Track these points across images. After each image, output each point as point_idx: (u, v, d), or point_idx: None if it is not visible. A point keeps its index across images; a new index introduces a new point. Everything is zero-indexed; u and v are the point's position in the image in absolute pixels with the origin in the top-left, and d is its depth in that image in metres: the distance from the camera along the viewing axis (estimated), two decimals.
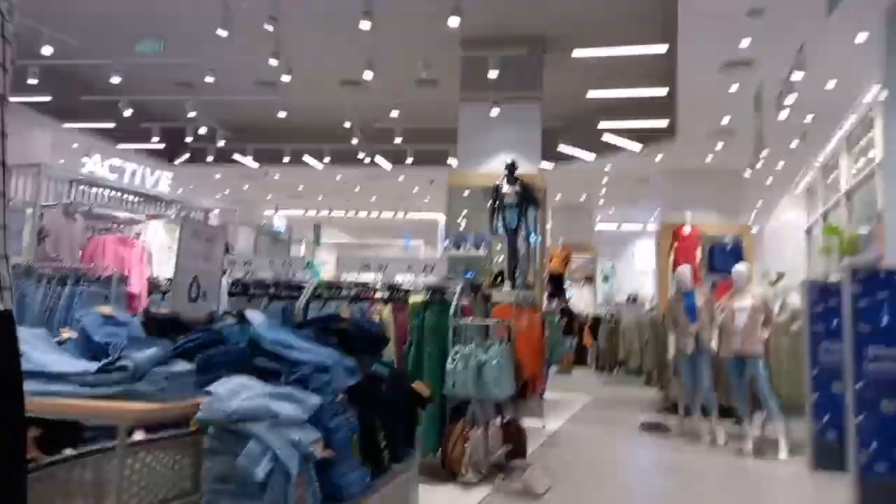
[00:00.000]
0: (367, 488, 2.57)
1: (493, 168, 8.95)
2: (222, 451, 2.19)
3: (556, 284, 16.51)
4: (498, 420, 4.88)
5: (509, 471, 4.79)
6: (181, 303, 3.22)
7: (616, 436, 7.05)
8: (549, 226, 18.85)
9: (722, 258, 11.58)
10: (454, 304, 4.94)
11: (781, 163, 11.93)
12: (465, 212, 9.20)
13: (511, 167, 8.42)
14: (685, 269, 7.17)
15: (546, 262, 17.67)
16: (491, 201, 8.47)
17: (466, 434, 4.58)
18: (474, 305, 6.24)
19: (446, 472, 4.60)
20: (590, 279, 17.59)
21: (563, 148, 11.77)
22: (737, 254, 11.51)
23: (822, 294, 5.75)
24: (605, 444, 6.58)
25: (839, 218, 12.13)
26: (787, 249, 16.76)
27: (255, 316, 3.24)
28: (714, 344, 6.72)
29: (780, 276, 15.05)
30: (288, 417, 2.21)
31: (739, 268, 6.60)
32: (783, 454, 5.95)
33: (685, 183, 12.27)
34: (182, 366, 2.36)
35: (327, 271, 12.72)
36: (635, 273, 20.67)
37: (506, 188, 8.40)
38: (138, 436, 2.88)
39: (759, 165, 10.97)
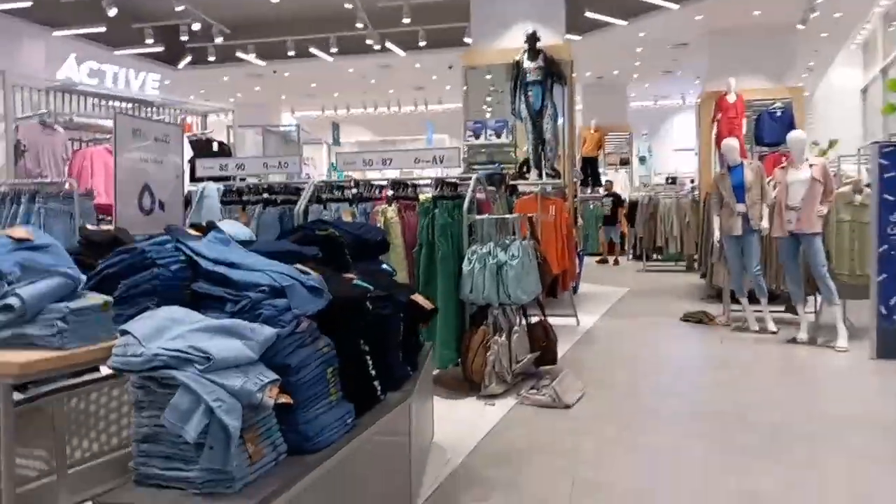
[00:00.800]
0: (351, 428, 2.10)
1: (513, 42, 8.01)
2: (147, 406, 1.72)
3: (591, 169, 15.68)
4: (523, 324, 4.39)
5: (537, 378, 4.36)
6: (128, 217, 2.70)
7: (656, 329, 6.56)
8: (579, 107, 17.74)
9: (771, 128, 10.52)
10: (468, 198, 4.34)
11: (838, 14, 10.54)
12: (487, 97, 8.36)
13: (532, 39, 7.48)
14: (731, 142, 6.34)
15: (579, 145, 16.79)
16: (511, 80, 7.61)
17: (488, 342, 4.13)
18: (494, 200, 5.64)
19: (469, 384, 4.19)
20: (626, 162, 16.63)
21: (592, 14, 10.56)
22: (788, 121, 10.39)
23: (894, 157, 4.95)
24: (644, 339, 6.11)
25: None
26: (840, 114, 15.41)
27: (228, 227, 2.71)
28: (765, 222, 6.03)
29: (833, 143, 13.89)
30: (227, 359, 1.71)
31: (795, 135, 5.77)
32: (842, 342, 5.38)
33: (729, 45, 11.04)
34: (92, 300, 1.86)
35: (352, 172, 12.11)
36: (674, 153, 19.51)
37: (527, 64, 7.51)
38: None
39: (813, 16, 9.70)
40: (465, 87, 8.26)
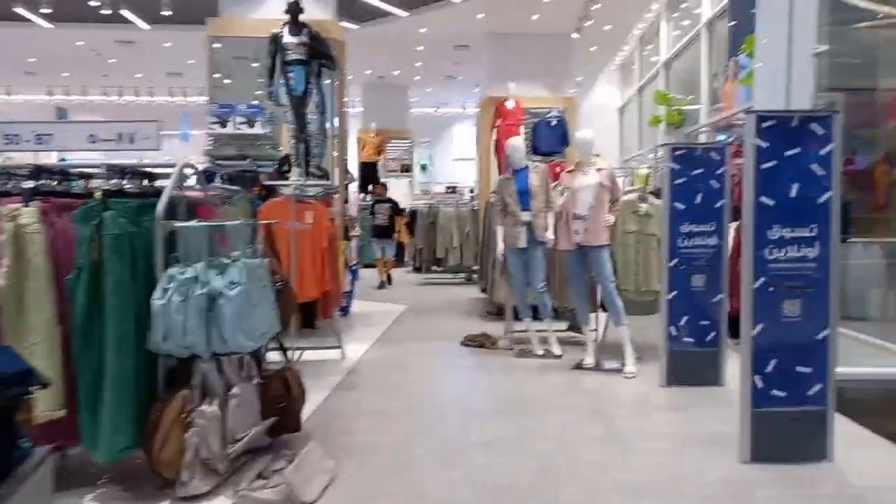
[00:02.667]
0: None
1: (271, 13, 6.63)
2: None
3: (371, 175, 14.72)
4: (248, 384, 3.05)
5: (271, 458, 3.06)
6: None
7: (434, 359, 5.60)
8: (359, 109, 16.76)
9: (547, 137, 10.39)
10: (164, 194, 2.90)
11: (608, 26, 10.79)
12: (227, 79, 6.84)
13: (294, 8, 6.17)
14: (517, 141, 5.65)
15: (359, 148, 15.76)
16: (268, 58, 6.21)
17: (188, 415, 2.73)
18: (227, 202, 4.24)
19: (160, 479, 2.75)
20: (407, 169, 15.96)
21: None
22: (562, 132, 10.38)
23: (684, 160, 4.52)
24: (420, 374, 5.08)
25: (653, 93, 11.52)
26: (601, 130, 16.36)
27: None
28: (550, 233, 5.40)
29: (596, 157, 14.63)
30: None
31: (583, 135, 5.19)
32: (630, 367, 4.87)
33: (509, 49, 10.77)
34: None
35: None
36: (455, 162, 19.44)
37: (288, 39, 6.15)
38: None
39: (587, 24, 9.73)
40: (209, 64, 6.66)
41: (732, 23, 7.48)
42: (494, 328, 6.66)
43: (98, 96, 15.42)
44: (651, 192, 5.41)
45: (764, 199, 3.13)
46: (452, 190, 15.52)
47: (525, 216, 5.41)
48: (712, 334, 4.53)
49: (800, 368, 3.12)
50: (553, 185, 5.64)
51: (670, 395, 4.34)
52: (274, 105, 6.28)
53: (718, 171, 4.51)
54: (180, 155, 10.40)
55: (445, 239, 11.44)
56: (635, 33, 12.63)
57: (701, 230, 4.51)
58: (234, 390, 2.87)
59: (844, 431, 3.17)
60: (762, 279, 3.12)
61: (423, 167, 18.86)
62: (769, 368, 3.11)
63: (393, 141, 15.76)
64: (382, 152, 15.35)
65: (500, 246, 5.58)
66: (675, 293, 4.52)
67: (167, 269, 2.83)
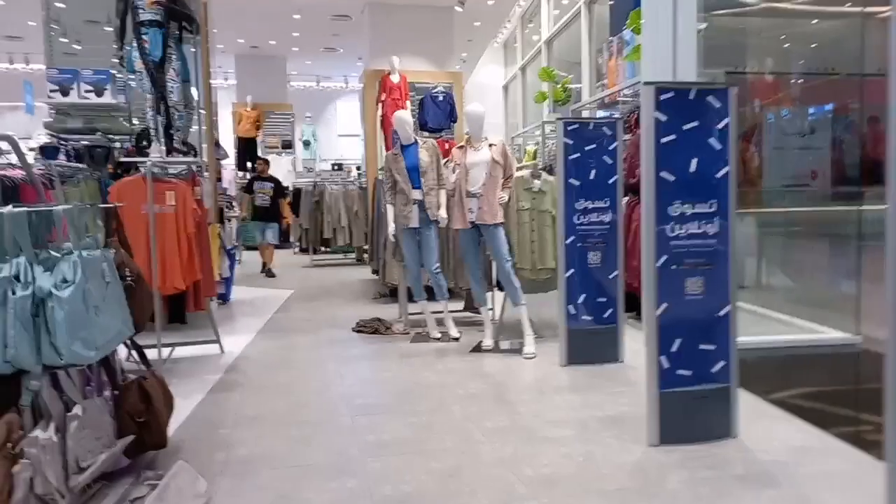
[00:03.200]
0: None
1: None
2: None
3: (249, 152, 13.80)
4: (95, 399, 2.53)
5: (131, 481, 2.59)
6: None
7: (324, 349, 5.20)
8: (232, 81, 15.63)
9: (434, 113, 10.14)
10: None
11: (491, 1, 10.61)
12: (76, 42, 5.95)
13: None
14: (404, 114, 5.29)
15: (234, 123, 14.71)
16: (118, 17, 5.42)
17: (15, 445, 2.20)
18: (66, 181, 3.61)
19: None
20: (288, 145, 15.13)
21: None
22: (449, 107, 10.14)
23: (578, 135, 4.38)
24: (308, 367, 4.67)
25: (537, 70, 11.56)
26: (486, 108, 16.36)
27: None
28: (443, 212, 5.14)
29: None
30: None
31: (474, 108, 4.93)
32: (529, 347, 4.73)
33: (391, 22, 10.35)
34: None
35: None
36: (340, 138, 18.73)
37: None
38: None
39: None
40: (45, 21, 5.73)
41: (612, 1, 7.52)
42: (388, 311, 6.37)
43: None
44: (543, 169, 5.28)
45: (664, 175, 3.01)
46: (339, 167, 14.92)
47: (416, 194, 5.12)
48: (609, 311, 4.47)
49: (703, 346, 3.05)
50: (444, 161, 5.37)
51: (571, 376, 4.24)
52: (127, 72, 5.52)
53: (611, 147, 4.42)
54: (26, 130, 9.11)
55: (333, 218, 10.94)
56: (517, 10, 12.58)
57: (596, 206, 4.42)
58: (76, 409, 2.36)
59: (743, 404, 3.15)
60: (664, 257, 3.01)
61: (307, 143, 17.99)
62: (674, 348, 3.02)
63: (272, 115, 14.87)
64: (260, 127, 14.44)
65: (391, 226, 5.25)
66: (572, 271, 4.41)
67: None
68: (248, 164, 13.06)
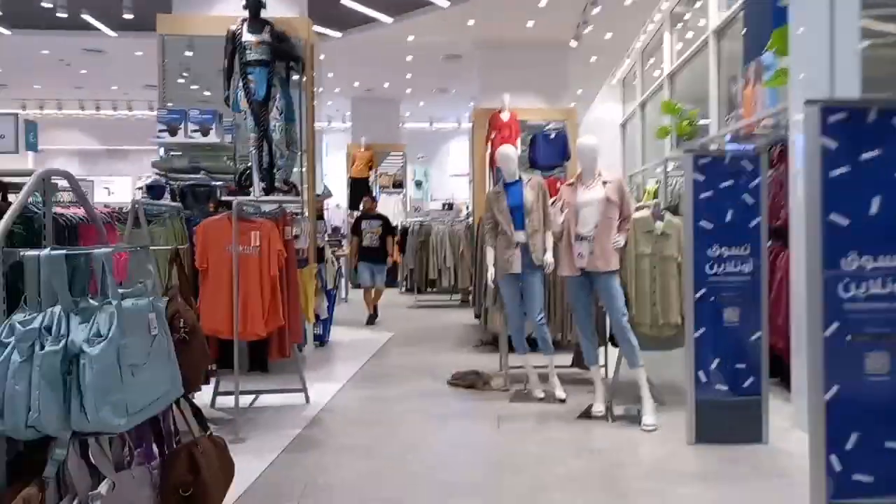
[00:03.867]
0: None
1: (229, 8, 5.90)
2: None
3: (361, 191, 13.94)
4: (132, 470, 2.21)
5: None
6: None
7: (415, 405, 4.76)
8: (347, 124, 16.03)
9: (546, 151, 9.63)
10: (6, 218, 2.09)
11: (609, 34, 10.07)
12: (183, 75, 6.07)
13: (255, 3, 5.44)
14: (507, 150, 4.85)
15: (349, 164, 15.01)
16: (226, 58, 5.46)
17: None
18: (165, 223, 3.46)
19: None
20: (399, 185, 15.18)
21: (349, 3, 8.79)
22: (562, 145, 9.62)
23: (711, 170, 3.72)
24: (392, 426, 4.21)
25: (658, 106, 10.79)
26: (603, 146, 15.66)
27: None
28: (549, 256, 4.59)
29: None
30: None
31: (586, 141, 4.40)
32: (649, 417, 4.03)
33: (502, 59, 10.06)
34: None
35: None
36: (451, 178, 18.69)
37: (247, 37, 5.42)
38: None
39: (587, 31, 9.01)
40: (160, 62, 5.88)
41: (745, 29, 6.78)
42: (488, 361, 5.85)
43: (74, 109, 14.70)
44: (666, 209, 4.62)
45: (834, 217, 2.32)
46: (449, 206, 14.76)
47: (519, 236, 4.62)
48: (750, 380, 3.70)
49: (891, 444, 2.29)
50: (552, 200, 4.85)
51: (701, 458, 3.50)
52: (232, 111, 5.52)
53: (753, 184, 3.71)
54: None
55: (438, 259, 10.67)
56: (637, 45, 11.95)
57: (733, 254, 3.70)
58: (101, 486, 2.04)
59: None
60: (835, 324, 2.30)
61: (419, 183, 18.10)
62: (849, 445, 2.27)
63: (389, 156, 15.04)
64: (373, 168, 14.61)
65: (491, 270, 4.76)
66: (702, 330, 3.70)
67: (13, 315, 2.02)
68: (360, 205, 13.17)
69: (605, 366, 4.77)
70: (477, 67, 10.21)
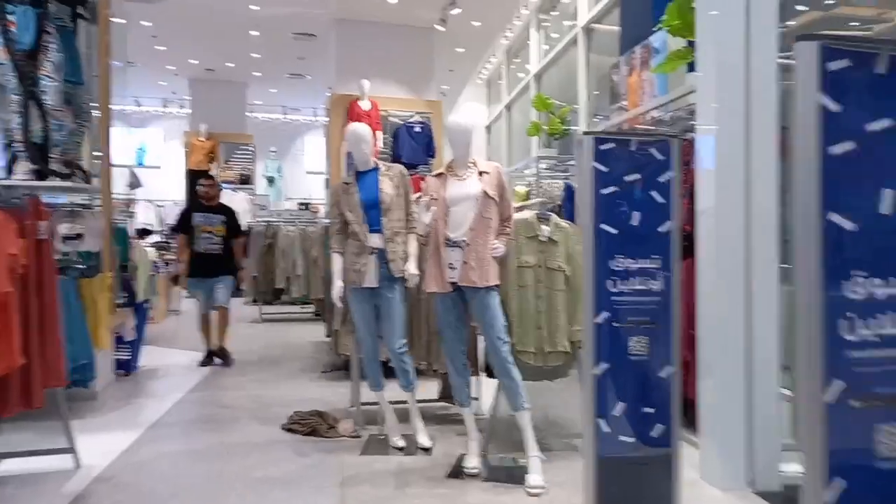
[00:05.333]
0: None
1: None
2: None
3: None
4: None
5: None
6: None
7: (230, 460, 3.58)
8: (187, 110, 14.12)
9: (410, 146, 8.76)
10: None
11: (477, 22, 9.37)
12: None
13: None
14: (360, 129, 3.81)
15: (190, 150, 13.11)
16: None
17: None
18: None
19: None
20: (246, 181, 13.58)
21: None
22: (428, 140, 8.80)
23: (615, 158, 2.93)
24: (194, 500, 3.07)
25: (526, 107, 10.32)
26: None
27: None
28: (413, 267, 3.63)
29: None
30: None
31: (459, 121, 3.47)
32: (535, 477, 3.17)
33: (361, 41, 9.01)
34: None
35: None
36: (307, 175, 17.24)
37: None
38: None
39: (454, 12, 8.21)
40: None
41: (621, 12, 6.29)
42: (338, 394, 4.78)
43: None
44: (551, 209, 3.82)
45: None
46: (305, 206, 13.40)
47: (374, 240, 3.61)
48: (660, 427, 2.95)
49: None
50: (415, 196, 3.90)
51: None
52: None
53: (664, 178, 2.97)
54: None
55: (287, 265, 9.36)
56: (503, 43, 11.42)
57: (641, 266, 2.93)
58: None
59: None
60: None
61: (271, 180, 16.49)
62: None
63: (236, 150, 13.37)
64: (215, 160, 12.93)
65: (338, 284, 3.70)
66: (605, 366, 2.89)
67: None
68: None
69: (478, 398, 3.89)
70: (333, 48, 9.07)
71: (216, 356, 6.15)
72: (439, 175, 3.49)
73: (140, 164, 15.36)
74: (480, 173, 3.40)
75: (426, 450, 3.65)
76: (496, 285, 3.31)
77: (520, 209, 3.97)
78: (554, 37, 9.36)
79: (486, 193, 3.32)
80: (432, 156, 8.76)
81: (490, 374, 3.61)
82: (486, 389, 3.82)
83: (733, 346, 3.31)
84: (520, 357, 3.41)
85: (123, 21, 7.94)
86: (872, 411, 1.52)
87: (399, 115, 8.88)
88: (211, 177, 6.77)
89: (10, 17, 3.98)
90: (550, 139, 7.86)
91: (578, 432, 3.56)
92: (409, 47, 9.11)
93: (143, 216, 12.35)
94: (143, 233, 11.18)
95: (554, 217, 3.63)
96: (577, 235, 3.62)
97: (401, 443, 3.72)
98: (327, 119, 9.51)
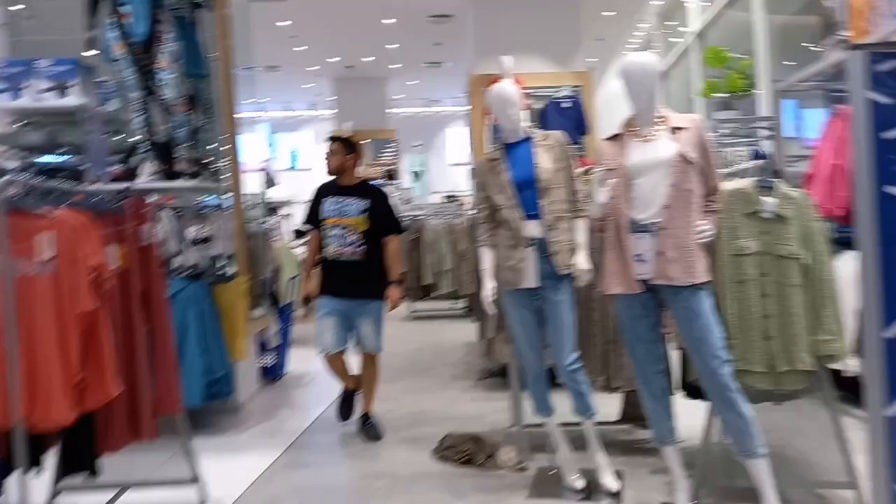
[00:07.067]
0: None
1: None
2: None
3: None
4: None
5: None
6: None
7: (371, 498, 3.01)
8: (330, 111, 14.24)
9: (559, 123, 7.84)
10: None
11: None
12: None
13: None
14: (506, 89, 3.06)
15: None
16: None
17: None
18: None
19: None
20: (392, 176, 13.38)
21: None
22: (578, 115, 7.83)
23: None
24: None
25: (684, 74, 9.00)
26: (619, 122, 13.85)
27: None
28: (583, 260, 2.80)
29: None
30: None
31: (639, 60, 2.58)
32: None
33: (501, 16, 8.28)
34: None
35: None
36: (452, 168, 16.85)
37: None
38: None
39: None
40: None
41: None
42: (499, 408, 4.07)
43: None
44: (775, 174, 2.80)
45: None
46: (452, 199, 12.96)
47: (532, 228, 2.82)
48: None
49: None
50: (583, 169, 3.07)
51: None
52: (104, 60, 3.77)
53: None
54: None
55: (434, 261, 8.87)
56: (655, 3, 10.12)
57: None
58: None
59: None
60: None
61: (416, 174, 16.30)
62: None
63: (384, 146, 13.28)
64: (361, 156, 12.84)
65: (488, 286, 2.97)
66: None
67: None
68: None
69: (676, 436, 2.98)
70: (471, 27, 8.41)
71: (351, 404, 3.99)
72: (616, 137, 2.64)
73: (293, 168, 15.86)
74: (674, 130, 2.50)
75: (614, 495, 2.82)
76: (707, 282, 2.40)
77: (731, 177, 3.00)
78: None
79: (683, 157, 2.43)
80: (583, 133, 7.80)
81: (693, 395, 2.72)
82: (686, 409, 2.91)
83: None
84: (742, 379, 2.47)
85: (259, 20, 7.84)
86: None
87: (545, 93, 8.01)
88: (342, 140, 3.96)
89: (122, 9, 3.69)
90: (730, 99, 6.59)
91: (831, 480, 2.58)
92: (553, 15, 8.22)
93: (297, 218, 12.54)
94: (299, 234, 11.30)
95: (781, 185, 2.63)
96: (812, 208, 2.60)
97: (579, 483, 2.92)
98: (469, 107, 8.95)
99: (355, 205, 3.80)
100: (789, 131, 4.16)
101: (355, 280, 3.76)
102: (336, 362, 3.92)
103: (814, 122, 4.15)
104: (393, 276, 3.90)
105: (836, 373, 2.77)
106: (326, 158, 3.94)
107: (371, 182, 4.14)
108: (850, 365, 2.76)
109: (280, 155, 15.59)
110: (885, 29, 3.38)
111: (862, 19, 3.75)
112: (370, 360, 3.96)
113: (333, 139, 3.97)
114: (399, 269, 3.98)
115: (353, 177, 3.92)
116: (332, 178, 3.94)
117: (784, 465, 2.92)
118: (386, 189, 13.33)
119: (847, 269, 2.65)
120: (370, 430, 3.86)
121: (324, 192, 3.94)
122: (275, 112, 15.56)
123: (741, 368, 2.48)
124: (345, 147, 3.91)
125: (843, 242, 2.77)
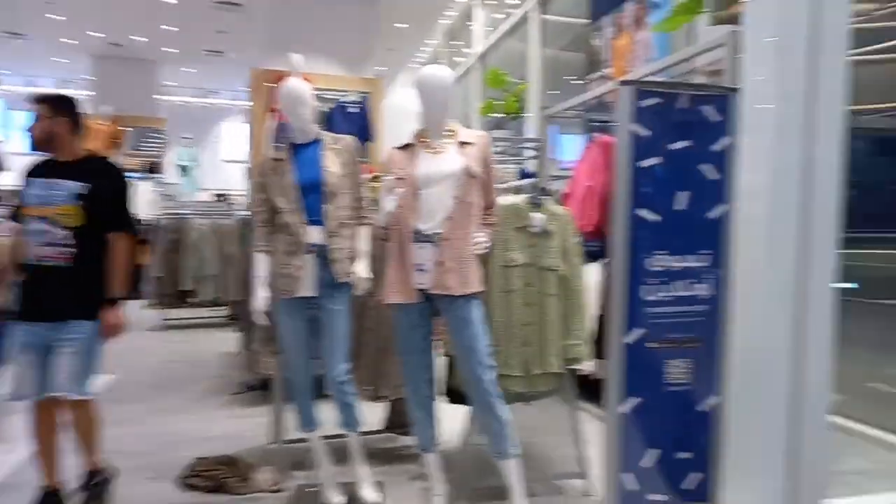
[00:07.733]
0: None
1: None
2: None
3: None
4: None
5: None
6: None
7: None
8: (90, 91, 12.61)
9: (344, 125, 7.78)
10: None
11: None
12: None
13: None
14: (298, 86, 2.87)
15: (92, 136, 11.55)
16: None
17: None
18: None
19: None
20: (154, 169, 12.13)
21: None
22: (363, 122, 7.81)
23: (660, 122, 2.15)
24: None
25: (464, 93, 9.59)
26: (404, 136, 14.22)
27: None
28: (362, 269, 2.71)
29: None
30: None
31: (435, 73, 2.57)
32: None
33: (294, 13, 8.00)
34: None
35: None
36: (225, 164, 15.84)
37: None
38: None
39: None
40: None
41: None
42: (257, 425, 3.78)
43: None
44: (542, 191, 2.98)
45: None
46: (222, 197, 12.09)
47: (314, 234, 2.66)
48: (697, 477, 2.18)
49: None
50: (369, 176, 3.00)
51: None
52: None
53: (716, 146, 2.21)
54: None
55: (195, 265, 8.13)
56: (443, 23, 10.64)
57: (687, 266, 2.16)
58: None
59: None
60: None
61: (184, 169, 14.98)
62: None
63: (147, 133, 11.94)
64: (120, 146, 11.44)
65: (261, 295, 2.73)
66: (636, 401, 2.10)
67: None
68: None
69: (438, 444, 3.01)
70: (258, 17, 7.97)
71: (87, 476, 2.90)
72: (406, 147, 2.60)
73: (33, 152, 13.61)
74: (462, 144, 2.53)
75: None
76: (479, 292, 2.46)
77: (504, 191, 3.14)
78: (498, 17, 8.66)
79: (469, 171, 2.46)
80: (369, 140, 7.83)
81: (455, 400, 2.78)
82: (447, 412, 2.95)
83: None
84: (502, 383, 2.56)
85: None
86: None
87: (332, 96, 7.89)
88: (50, 99, 2.79)
89: None
90: (505, 119, 7.10)
91: (568, 471, 2.80)
92: (348, 19, 8.16)
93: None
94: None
95: (549, 202, 2.81)
96: (573, 224, 2.82)
97: (338, 500, 2.79)
98: (251, 102, 8.44)
99: (66, 188, 2.65)
100: (551, 153, 4.55)
101: (58, 295, 2.62)
102: (42, 422, 2.69)
103: (570, 146, 4.58)
104: (115, 289, 2.71)
105: (579, 374, 3.03)
106: (30, 128, 2.74)
107: (107, 160, 2.79)
108: (589, 366, 3.03)
109: (14, 136, 13.32)
110: (641, 71, 3.87)
111: (623, 60, 4.26)
112: (80, 409, 2.71)
113: (38, 100, 2.75)
114: (125, 281, 2.74)
115: (71, 150, 2.74)
116: (48, 154, 2.76)
117: (529, 460, 3.10)
118: (145, 182, 11.97)
119: (590, 279, 2.92)
120: (97, 493, 2.86)
121: (34, 172, 2.74)
122: (13, 86, 13.26)
123: (502, 373, 2.58)
124: (53, 108, 2.72)
125: (590, 255, 3.05)
